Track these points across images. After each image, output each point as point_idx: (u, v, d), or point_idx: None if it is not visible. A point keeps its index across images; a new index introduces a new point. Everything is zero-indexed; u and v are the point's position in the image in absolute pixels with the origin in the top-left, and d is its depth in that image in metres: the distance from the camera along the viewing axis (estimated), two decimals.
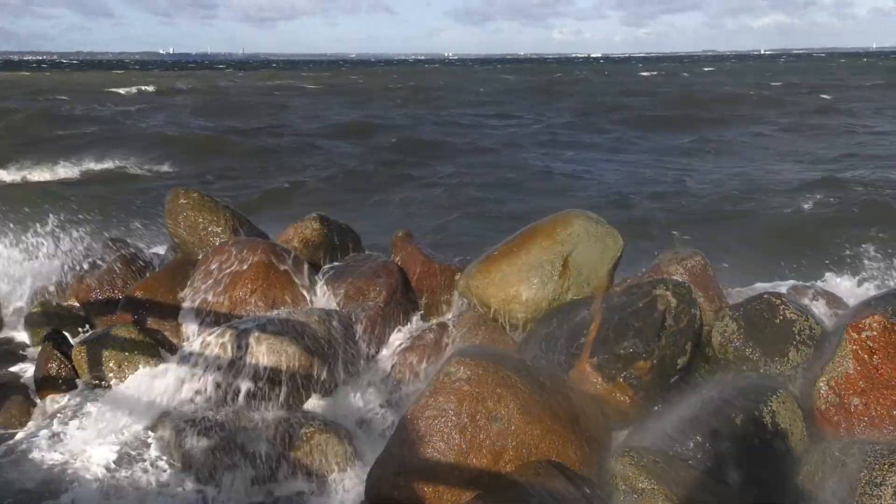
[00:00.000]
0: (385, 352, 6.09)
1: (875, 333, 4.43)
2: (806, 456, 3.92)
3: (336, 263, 6.90)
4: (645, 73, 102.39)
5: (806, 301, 5.99)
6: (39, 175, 23.83)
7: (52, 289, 7.79)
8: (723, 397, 4.52)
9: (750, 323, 4.99)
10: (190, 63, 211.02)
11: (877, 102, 46.35)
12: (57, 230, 8.53)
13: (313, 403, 5.45)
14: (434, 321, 6.49)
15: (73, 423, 5.43)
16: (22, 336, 7.19)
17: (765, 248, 14.33)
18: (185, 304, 6.37)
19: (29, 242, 8.54)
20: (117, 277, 7.09)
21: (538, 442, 4.29)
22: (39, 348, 6.28)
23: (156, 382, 5.85)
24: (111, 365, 5.88)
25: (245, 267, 6.16)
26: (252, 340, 5.37)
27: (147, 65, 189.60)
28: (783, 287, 7.14)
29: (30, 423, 5.60)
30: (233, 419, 4.97)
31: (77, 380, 6.04)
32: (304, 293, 6.26)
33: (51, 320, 6.98)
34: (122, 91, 62.61)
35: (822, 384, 4.42)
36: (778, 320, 4.96)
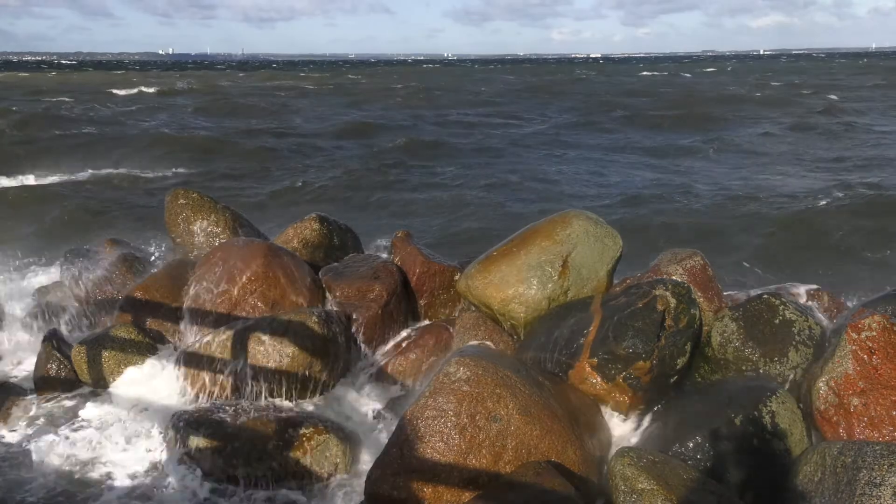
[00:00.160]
0: (385, 352, 6.09)
1: (874, 334, 4.43)
2: (805, 456, 3.92)
3: (335, 264, 6.90)
4: (646, 73, 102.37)
5: (805, 301, 5.98)
6: (40, 176, 23.81)
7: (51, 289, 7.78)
8: (722, 397, 4.52)
9: (749, 323, 4.99)
10: (189, 63, 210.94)
11: (880, 102, 46.31)
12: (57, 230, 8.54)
13: (313, 403, 5.46)
14: (433, 321, 6.49)
15: (73, 424, 5.44)
16: (22, 336, 7.18)
17: (766, 249, 14.33)
18: (185, 305, 6.37)
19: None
20: (117, 277, 7.08)
21: (537, 442, 4.29)
22: (39, 348, 6.28)
23: (155, 383, 5.87)
24: (110, 365, 5.88)
25: (244, 267, 6.15)
26: (252, 341, 5.37)
27: (146, 65, 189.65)
28: (783, 287, 7.13)
29: (29, 424, 5.59)
30: (233, 419, 4.97)
31: (76, 380, 6.03)
32: (304, 293, 6.25)
33: (50, 320, 6.97)
34: (122, 92, 62.63)
35: (821, 384, 4.42)
36: (777, 321, 4.96)
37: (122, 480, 4.79)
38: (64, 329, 6.80)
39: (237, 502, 4.59)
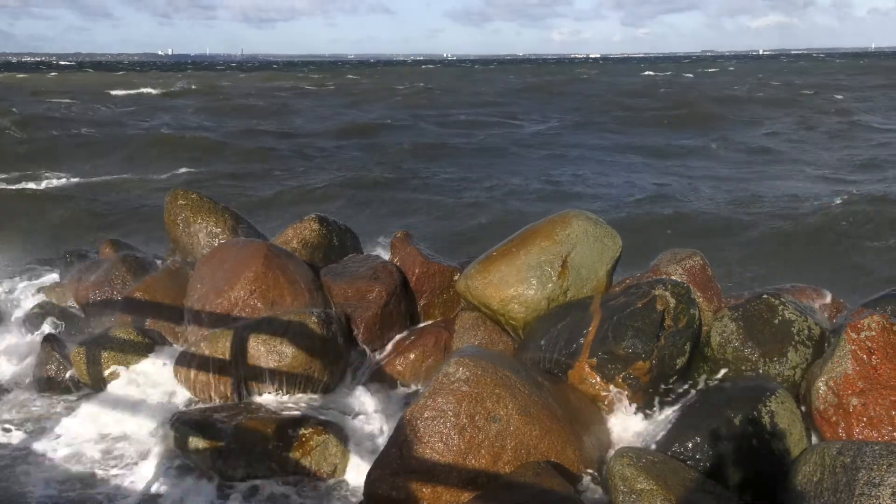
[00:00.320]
0: (384, 352, 6.09)
1: (874, 334, 4.43)
2: (804, 456, 3.92)
3: (335, 264, 6.90)
4: (648, 73, 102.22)
5: (805, 301, 5.98)
6: (40, 177, 23.83)
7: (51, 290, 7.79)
8: (722, 397, 4.52)
9: (749, 323, 4.98)
10: (188, 64, 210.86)
11: (884, 102, 46.18)
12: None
13: (312, 404, 5.45)
14: (433, 322, 6.49)
15: (73, 424, 5.44)
16: (21, 336, 7.18)
17: (767, 249, 14.33)
18: (184, 306, 6.37)
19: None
20: (116, 278, 7.08)
21: (537, 442, 4.29)
22: (39, 349, 6.28)
23: (154, 383, 5.87)
24: (110, 366, 5.87)
25: (244, 268, 6.15)
26: (251, 341, 5.37)
27: (146, 66, 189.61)
28: (783, 287, 7.13)
29: (29, 425, 5.59)
30: (232, 419, 4.97)
31: (76, 381, 6.03)
32: (303, 294, 6.25)
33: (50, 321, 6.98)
34: (122, 93, 62.67)
35: (820, 384, 4.42)
36: (777, 321, 4.95)
37: (121, 481, 4.79)
38: (64, 330, 6.80)
39: (236, 502, 4.59)
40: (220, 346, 5.42)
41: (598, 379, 4.85)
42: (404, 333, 6.29)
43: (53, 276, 8.51)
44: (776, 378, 4.78)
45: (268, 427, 4.89)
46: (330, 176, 23.62)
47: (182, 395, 5.63)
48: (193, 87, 73.39)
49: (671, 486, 3.77)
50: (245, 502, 4.59)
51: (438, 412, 4.28)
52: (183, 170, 25.40)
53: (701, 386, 4.96)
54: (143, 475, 4.87)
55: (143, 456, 5.09)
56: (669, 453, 4.23)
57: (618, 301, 5.13)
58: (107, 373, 5.88)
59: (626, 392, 4.81)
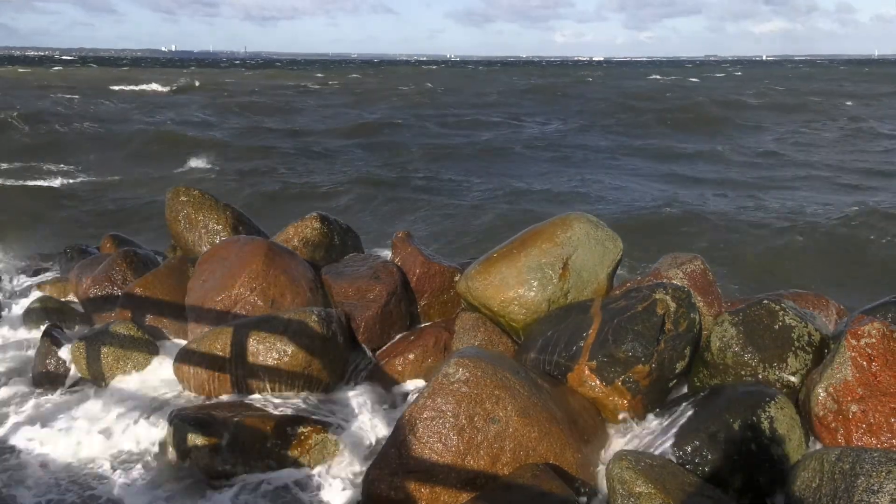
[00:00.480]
0: (384, 352, 6.09)
1: (874, 340, 4.42)
2: (803, 462, 3.91)
3: (335, 263, 6.90)
4: (656, 77, 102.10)
5: (805, 308, 5.98)
6: (41, 173, 23.85)
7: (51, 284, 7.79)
8: (721, 402, 4.51)
9: (749, 328, 4.98)
10: (192, 61, 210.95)
11: (894, 110, 46.04)
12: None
13: (311, 403, 5.44)
14: (433, 322, 6.49)
15: (71, 420, 5.43)
16: (21, 332, 7.19)
17: (773, 256, 14.31)
18: (185, 302, 6.37)
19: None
20: (117, 274, 7.09)
21: (536, 444, 4.29)
22: (38, 344, 6.28)
23: (153, 379, 5.87)
24: (109, 362, 5.87)
25: (245, 266, 6.15)
26: (251, 339, 5.37)
27: (150, 62, 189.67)
28: (784, 293, 7.12)
29: (27, 420, 5.59)
30: (231, 417, 4.97)
31: (75, 376, 6.03)
32: (304, 293, 6.25)
33: (50, 316, 6.98)
34: (126, 88, 62.76)
35: (820, 391, 4.41)
36: (777, 326, 4.94)
37: (119, 477, 4.78)
38: (63, 325, 6.80)
39: (234, 500, 4.59)
40: (219, 343, 5.42)
41: (598, 382, 4.85)
42: (404, 333, 6.29)
43: (54, 272, 8.52)
44: (776, 383, 4.78)
45: (266, 425, 4.89)
46: (333, 175, 23.64)
47: (181, 392, 5.63)
48: (197, 83, 73.48)
49: (670, 490, 3.77)
50: (242, 500, 4.59)
51: (437, 413, 4.28)
52: (185, 166, 25.43)
53: (700, 390, 4.96)
54: (141, 472, 4.86)
55: (142, 452, 5.09)
56: (668, 457, 4.23)
57: (618, 304, 5.13)
58: (106, 368, 5.88)
59: (626, 395, 4.81)
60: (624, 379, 4.78)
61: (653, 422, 4.82)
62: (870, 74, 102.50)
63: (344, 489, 4.63)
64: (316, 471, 4.80)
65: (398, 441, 4.31)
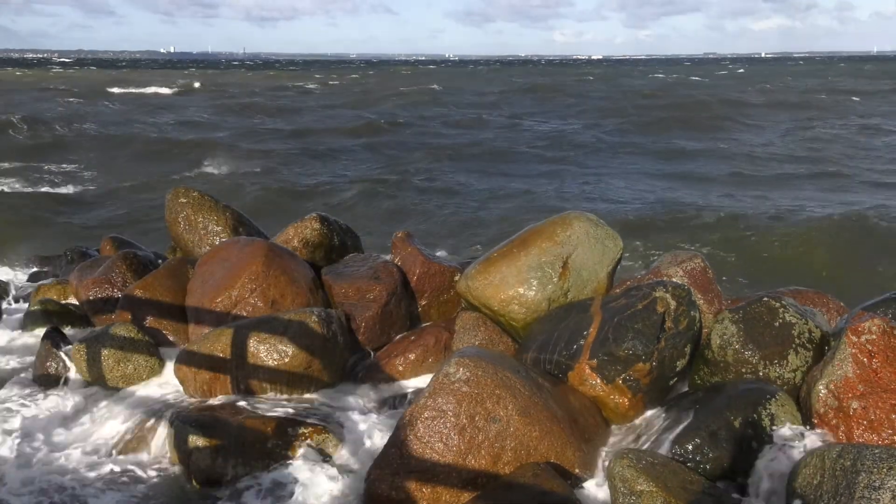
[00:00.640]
0: (384, 352, 6.09)
1: (874, 337, 4.42)
2: (804, 459, 3.90)
3: (335, 264, 6.90)
4: (659, 75, 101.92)
5: (805, 305, 5.97)
6: (40, 175, 23.86)
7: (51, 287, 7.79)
8: (722, 400, 4.51)
9: (749, 326, 4.97)
10: (191, 62, 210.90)
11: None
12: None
13: (312, 403, 5.45)
14: (433, 322, 6.49)
15: (72, 422, 5.44)
16: (21, 334, 7.19)
17: (776, 254, 14.28)
18: (185, 303, 6.37)
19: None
20: (116, 276, 7.09)
21: (537, 443, 4.29)
22: (39, 346, 6.28)
23: (154, 381, 5.88)
24: (110, 364, 5.87)
25: (245, 266, 6.15)
26: (251, 340, 5.37)
27: (149, 63, 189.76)
28: (784, 290, 7.12)
29: (28, 422, 5.59)
30: (231, 417, 4.97)
31: (76, 378, 6.03)
32: (304, 293, 6.25)
33: (50, 318, 6.98)
34: (126, 90, 62.76)
35: (821, 387, 4.40)
36: (777, 323, 4.94)
37: (119, 478, 4.79)
38: (64, 327, 6.80)
39: (234, 501, 4.58)
40: (220, 344, 5.42)
41: (599, 380, 4.84)
42: (404, 333, 6.29)
43: (54, 274, 8.53)
44: (776, 381, 4.77)
45: (267, 425, 4.89)
46: (333, 175, 23.65)
47: (182, 393, 5.63)
48: (197, 85, 73.50)
49: (671, 488, 3.77)
50: (243, 501, 4.59)
51: (438, 412, 4.28)
52: (186, 167, 25.43)
53: (701, 388, 4.96)
54: (140, 472, 4.86)
55: (143, 453, 5.09)
56: (669, 455, 4.23)
57: (618, 303, 5.13)
58: (106, 370, 5.88)
59: (627, 394, 4.80)
60: (624, 377, 4.78)
61: (654, 420, 4.82)
62: (870, 71, 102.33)
63: (345, 489, 4.63)
64: (317, 471, 4.79)
65: (399, 441, 4.31)
